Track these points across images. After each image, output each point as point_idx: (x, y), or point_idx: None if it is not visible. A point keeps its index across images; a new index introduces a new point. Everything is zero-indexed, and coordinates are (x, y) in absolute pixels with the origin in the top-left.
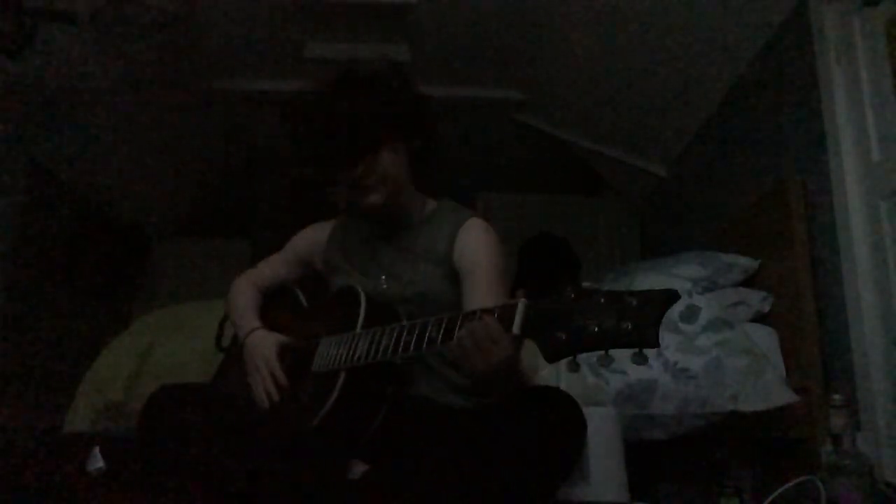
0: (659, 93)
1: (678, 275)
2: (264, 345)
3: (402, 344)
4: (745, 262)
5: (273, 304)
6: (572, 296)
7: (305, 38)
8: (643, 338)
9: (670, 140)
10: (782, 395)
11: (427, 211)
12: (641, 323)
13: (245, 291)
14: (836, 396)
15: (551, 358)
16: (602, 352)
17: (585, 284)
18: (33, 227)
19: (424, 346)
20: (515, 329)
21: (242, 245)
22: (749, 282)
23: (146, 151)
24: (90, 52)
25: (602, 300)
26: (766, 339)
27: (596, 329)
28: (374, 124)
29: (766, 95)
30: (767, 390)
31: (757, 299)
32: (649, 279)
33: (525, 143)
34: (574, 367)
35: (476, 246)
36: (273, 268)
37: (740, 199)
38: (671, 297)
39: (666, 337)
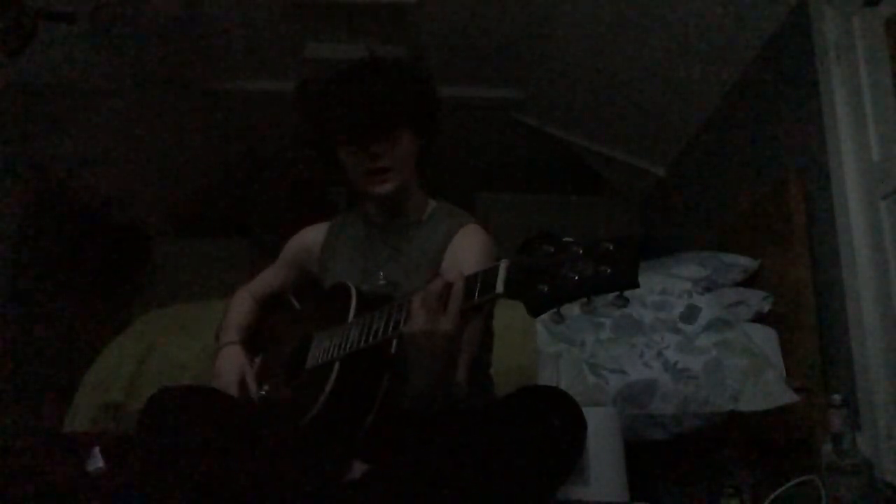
0: (659, 93)
1: (678, 275)
2: (225, 369)
3: (392, 323)
4: (745, 262)
5: (270, 312)
6: (552, 250)
7: (305, 38)
8: (622, 280)
9: (670, 140)
10: (782, 395)
11: (426, 212)
12: (620, 266)
13: (237, 303)
14: (836, 396)
15: (536, 311)
16: (584, 299)
17: (565, 239)
18: (33, 228)
19: None
20: (499, 288)
21: (242, 245)
22: (749, 282)
23: (146, 151)
24: (90, 52)
25: (580, 250)
26: (766, 339)
27: (576, 277)
28: (398, 105)
29: (766, 95)
30: (767, 390)
31: (757, 299)
32: (649, 279)
33: (525, 143)
34: (558, 319)
35: (465, 254)
36: (270, 275)
37: (740, 199)
38: (648, 238)
39: (666, 337)
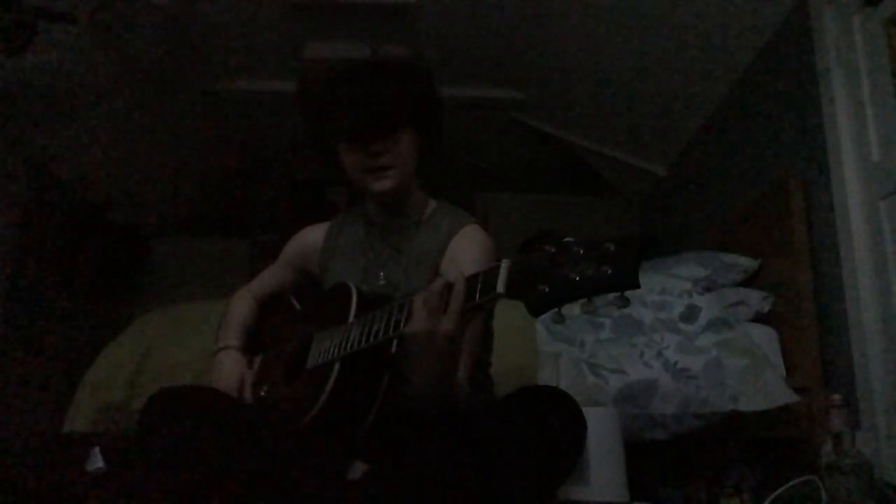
0: (659, 93)
1: (678, 275)
2: (222, 373)
3: (392, 323)
4: (745, 262)
5: (270, 313)
6: (553, 250)
7: (305, 38)
8: (623, 280)
9: (670, 140)
10: (782, 395)
11: (426, 213)
12: (621, 266)
13: (237, 303)
14: (836, 396)
15: (537, 312)
16: (585, 300)
17: (566, 239)
18: (33, 227)
19: None
20: (500, 288)
21: (242, 245)
22: (749, 282)
23: (146, 151)
24: (90, 51)
25: (581, 250)
26: (766, 339)
27: (577, 278)
28: (399, 104)
29: (766, 95)
30: (767, 390)
31: (757, 299)
32: (649, 279)
33: (525, 143)
34: (558, 319)
35: (465, 254)
36: (270, 276)
37: (740, 199)
38: (647, 240)
39: (666, 337)
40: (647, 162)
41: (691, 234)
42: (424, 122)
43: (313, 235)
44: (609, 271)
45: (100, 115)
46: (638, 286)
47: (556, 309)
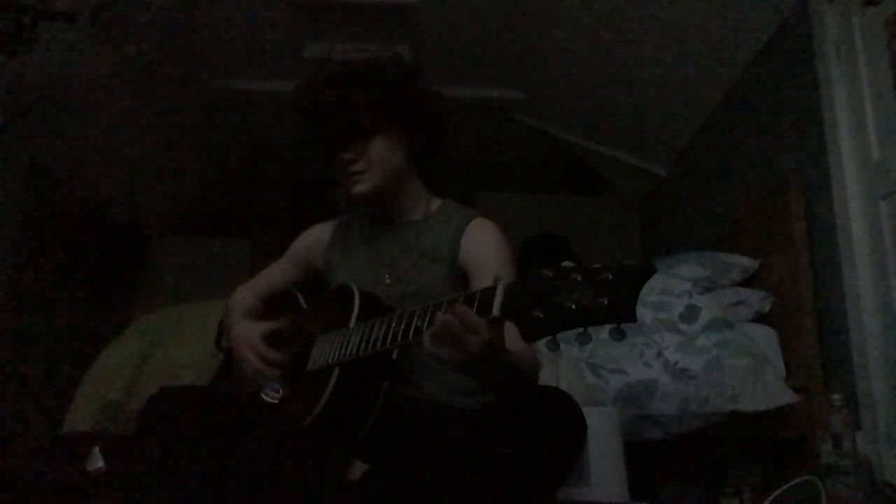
0: (659, 93)
1: (678, 275)
2: (247, 333)
3: (390, 335)
4: (745, 262)
5: (275, 310)
6: (550, 275)
7: (305, 38)
8: (620, 313)
9: (670, 140)
10: (782, 395)
11: (431, 210)
12: (618, 298)
13: (239, 298)
14: (836, 396)
15: (530, 338)
16: (581, 329)
17: (565, 263)
18: (33, 227)
19: (412, 335)
20: (495, 311)
21: (242, 245)
22: (749, 282)
23: (146, 151)
24: (90, 51)
25: (579, 277)
26: (766, 339)
27: (573, 306)
28: (367, 111)
29: (766, 95)
30: (767, 390)
31: (757, 299)
32: (649, 279)
33: (525, 143)
34: (553, 347)
35: (484, 246)
36: (274, 273)
37: (740, 199)
38: (647, 270)
39: (666, 337)
40: (647, 162)
41: (691, 234)
42: (408, 123)
43: (320, 233)
44: (605, 302)
45: (100, 115)
46: (634, 320)
47: (552, 336)
